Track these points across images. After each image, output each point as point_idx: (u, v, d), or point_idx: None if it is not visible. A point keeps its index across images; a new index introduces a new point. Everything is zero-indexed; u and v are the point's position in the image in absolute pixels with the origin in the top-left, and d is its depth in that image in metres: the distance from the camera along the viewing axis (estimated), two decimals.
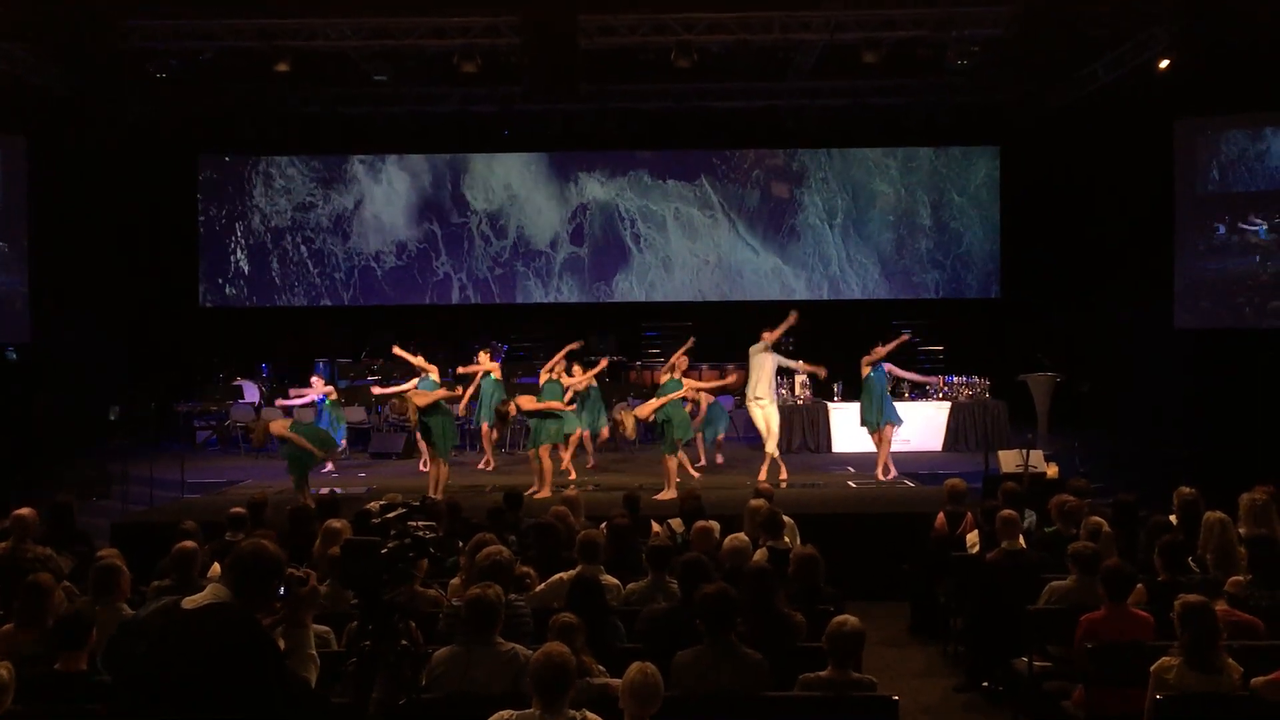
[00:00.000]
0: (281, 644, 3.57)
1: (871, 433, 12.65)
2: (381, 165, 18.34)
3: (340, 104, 16.74)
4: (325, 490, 11.29)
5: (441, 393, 11.58)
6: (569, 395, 12.24)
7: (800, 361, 12.69)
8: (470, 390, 13.06)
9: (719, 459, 13.48)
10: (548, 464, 11.47)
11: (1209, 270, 15.52)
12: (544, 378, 12.37)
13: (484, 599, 4.70)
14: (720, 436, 13.49)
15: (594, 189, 18.33)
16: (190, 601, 3.37)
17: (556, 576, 6.27)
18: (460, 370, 13.89)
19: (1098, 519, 7.18)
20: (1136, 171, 15.79)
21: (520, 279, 18.36)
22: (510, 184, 18.36)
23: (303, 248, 18.28)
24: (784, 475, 11.85)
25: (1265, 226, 14.95)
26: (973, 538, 8.10)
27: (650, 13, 13.40)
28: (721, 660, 4.80)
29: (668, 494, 10.92)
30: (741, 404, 13.12)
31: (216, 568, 6.59)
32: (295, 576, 3.61)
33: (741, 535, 6.77)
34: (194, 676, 3.22)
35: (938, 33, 13.64)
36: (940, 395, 14.97)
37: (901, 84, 16.22)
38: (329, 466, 12.95)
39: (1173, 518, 7.44)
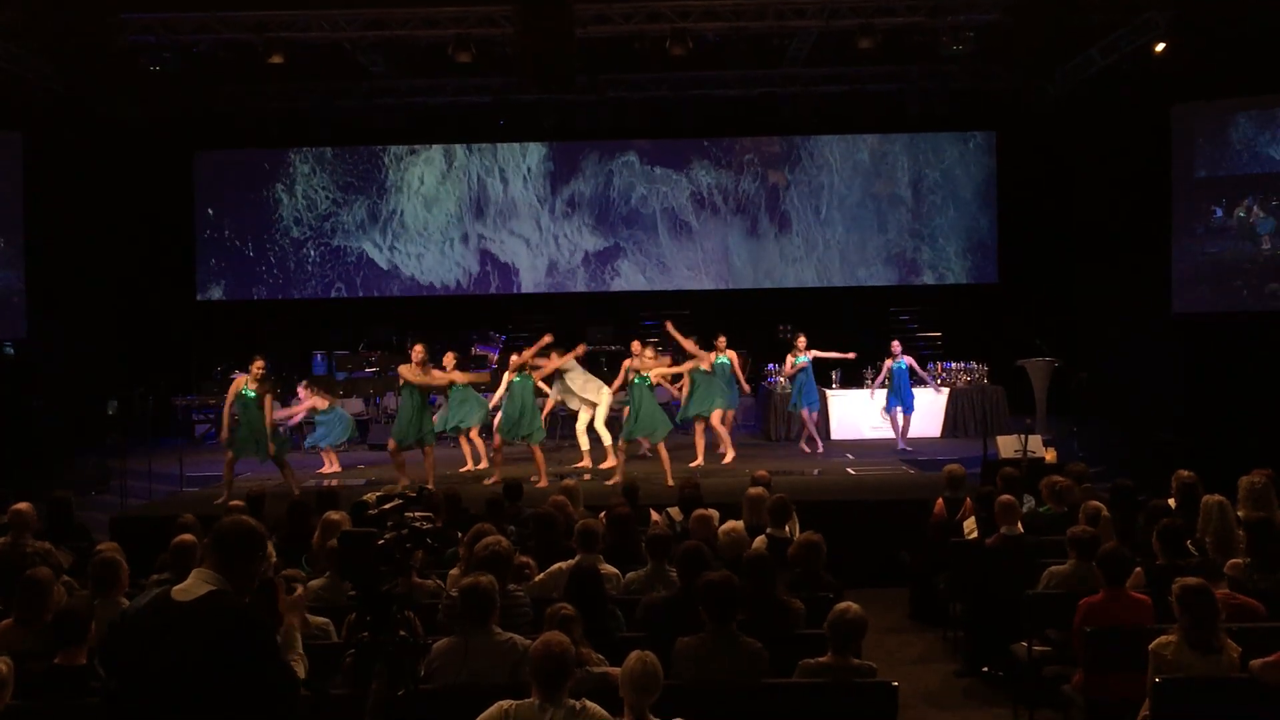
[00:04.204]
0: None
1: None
2: (376, 156, 18.30)
3: (335, 96, 16.69)
4: (328, 483, 11.37)
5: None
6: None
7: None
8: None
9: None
10: (539, 454, 11.51)
11: (1206, 254, 15.51)
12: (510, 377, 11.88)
13: (478, 587, 4.71)
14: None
15: (589, 178, 18.28)
16: (180, 592, 3.33)
17: (556, 566, 6.28)
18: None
19: (1097, 503, 7.19)
20: (1133, 156, 15.77)
21: (515, 269, 18.33)
22: (506, 174, 18.33)
23: (300, 240, 18.23)
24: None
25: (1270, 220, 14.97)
26: (971, 524, 8.12)
27: (644, 0, 13.38)
28: (721, 648, 4.80)
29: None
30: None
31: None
32: (284, 582, 3.61)
33: (738, 524, 6.77)
34: (195, 668, 3.21)
35: (933, 19, 13.62)
36: (939, 381, 15.00)
37: (897, 70, 16.19)
38: (333, 466, 12.94)
39: (1171, 501, 7.45)
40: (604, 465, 11.98)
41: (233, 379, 11.62)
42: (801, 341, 13.54)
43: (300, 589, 3.67)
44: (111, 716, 3.73)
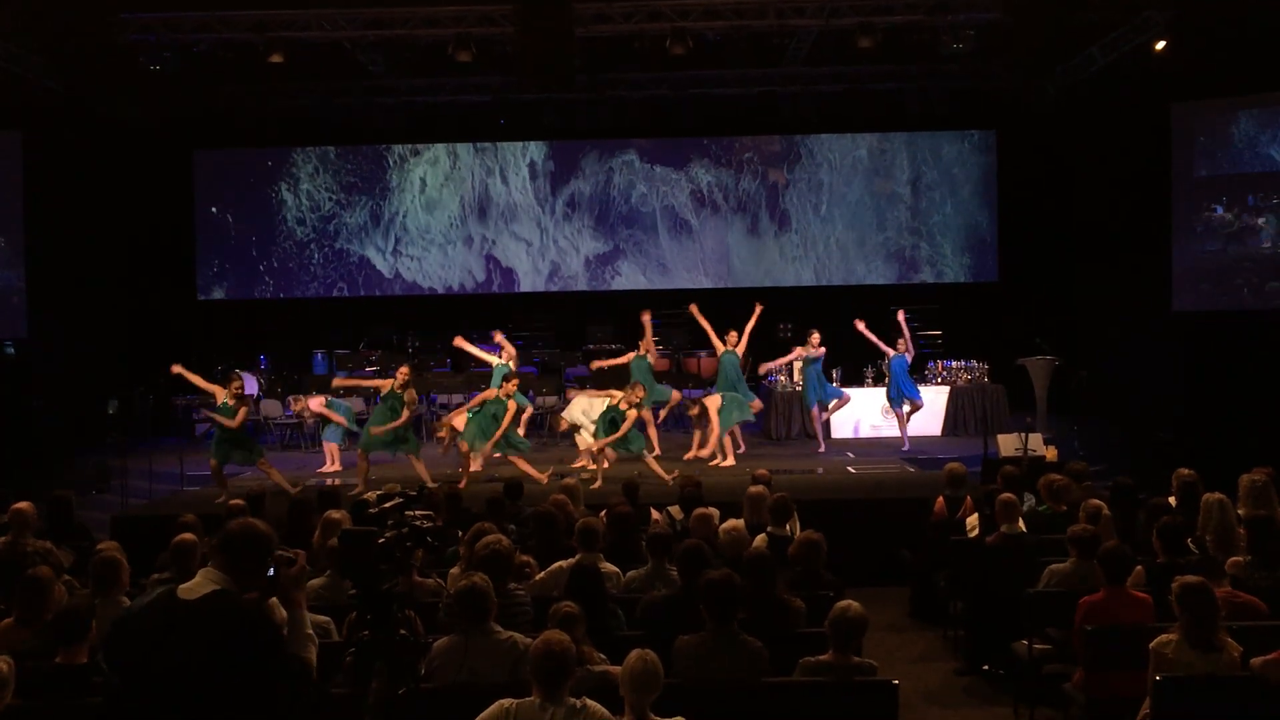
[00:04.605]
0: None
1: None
2: (378, 157, 18.29)
3: (334, 95, 16.70)
4: (329, 482, 11.38)
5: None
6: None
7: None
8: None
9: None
10: (521, 462, 11.57)
11: (1207, 253, 15.52)
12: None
13: (474, 588, 4.71)
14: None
15: (589, 177, 18.28)
16: (186, 590, 3.34)
17: (556, 565, 6.28)
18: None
19: (1097, 502, 7.19)
20: (1133, 155, 15.78)
21: (516, 269, 18.32)
22: (506, 173, 18.32)
23: (301, 240, 18.23)
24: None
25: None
26: (972, 521, 8.11)
27: (645, 0, 13.38)
28: (722, 647, 4.80)
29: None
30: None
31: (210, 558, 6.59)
32: (283, 557, 3.59)
33: (738, 523, 6.77)
34: (200, 667, 3.21)
35: (933, 17, 13.62)
36: (939, 380, 15.00)
37: (897, 69, 16.19)
38: (334, 464, 12.95)
39: (1172, 500, 7.45)
40: (591, 467, 12.01)
41: (234, 374, 11.63)
42: (815, 338, 13.44)
43: (300, 558, 3.64)
44: (114, 714, 3.73)
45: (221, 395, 11.06)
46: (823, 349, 13.34)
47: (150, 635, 3.27)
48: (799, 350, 13.48)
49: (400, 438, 11.29)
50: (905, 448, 13.37)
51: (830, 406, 13.66)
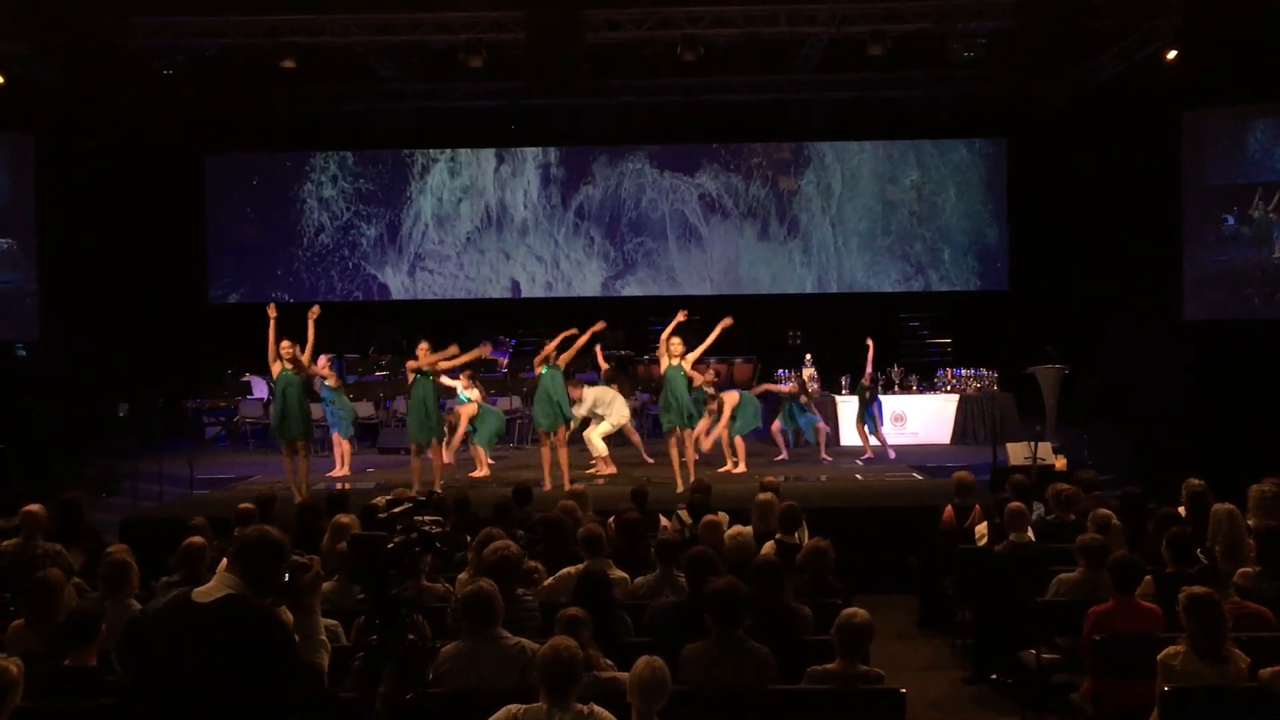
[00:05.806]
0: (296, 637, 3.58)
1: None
2: (394, 164, 18.33)
3: (345, 100, 16.74)
4: (337, 486, 11.40)
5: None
6: None
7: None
8: None
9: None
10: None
11: (1217, 261, 15.48)
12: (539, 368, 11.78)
13: (480, 593, 4.71)
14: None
15: (599, 183, 18.31)
16: (201, 594, 3.36)
17: (564, 571, 6.28)
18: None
19: (1106, 511, 7.17)
20: (1144, 163, 15.74)
21: (525, 274, 18.34)
22: (517, 178, 18.36)
23: (317, 248, 18.28)
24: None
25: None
26: (981, 529, 8.10)
27: (655, 7, 13.40)
28: (728, 654, 4.80)
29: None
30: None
31: (225, 564, 6.60)
32: (299, 563, 3.61)
33: (745, 529, 6.76)
34: (213, 670, 3.23)
35: (943, 25, 13.62)
36: (948, 388, 14.97)
37: (907, 77, 16.19)
38: (342, 469, 12.93)
39: (1181, 509, 7.42)
40: (605, 472, 12.07)
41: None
42: (807, 372, 13.68)
43: (315, 564, 3.67)
44: (126, 716, 3.75)
45: (278, 369, 10.82)
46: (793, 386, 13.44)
47: (164, 638, 3.30)
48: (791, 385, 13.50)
49: (428, 421, 11.02)
50: (891, 456, 13.53)
51: (819, 434, 13.57)
